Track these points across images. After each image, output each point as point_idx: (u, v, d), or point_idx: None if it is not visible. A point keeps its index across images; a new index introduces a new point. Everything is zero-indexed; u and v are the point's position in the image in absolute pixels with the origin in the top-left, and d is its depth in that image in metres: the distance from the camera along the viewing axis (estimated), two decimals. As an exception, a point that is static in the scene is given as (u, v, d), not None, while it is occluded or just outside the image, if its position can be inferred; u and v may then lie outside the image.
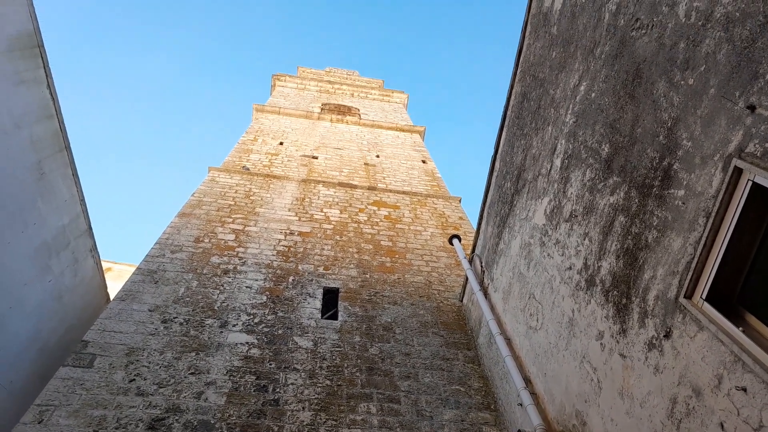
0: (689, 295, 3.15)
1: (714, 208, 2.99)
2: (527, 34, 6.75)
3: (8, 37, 6.74)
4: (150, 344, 6.27)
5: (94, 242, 9.23)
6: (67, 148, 8.23)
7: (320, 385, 6.11)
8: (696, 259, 3.10)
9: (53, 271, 7.88)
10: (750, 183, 2.81)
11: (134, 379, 5.72)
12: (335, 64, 42.74)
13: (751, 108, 2.77)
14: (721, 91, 3.03)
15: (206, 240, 8.95)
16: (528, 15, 6.73)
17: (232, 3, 77.28)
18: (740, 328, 2.77)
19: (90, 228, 9.06)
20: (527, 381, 5.37)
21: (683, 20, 3.48)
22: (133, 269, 14.45)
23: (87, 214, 8.92)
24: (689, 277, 3.14)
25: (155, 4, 70.65)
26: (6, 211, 6.77)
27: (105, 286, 9.89)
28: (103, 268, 9.98)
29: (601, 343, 4.04)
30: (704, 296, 3.05)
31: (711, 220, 3.01)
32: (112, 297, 9.88)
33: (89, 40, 64.57)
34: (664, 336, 3.29)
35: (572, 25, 5.38)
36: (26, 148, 7.22)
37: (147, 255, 8.15)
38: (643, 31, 3.99)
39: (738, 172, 2.87)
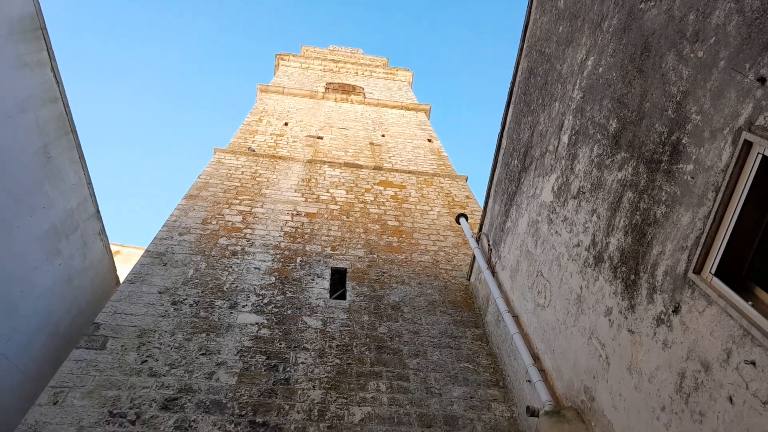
0: (698, 270, 3.14)
1: (723, 182, 2.97)
2: (533, 8, 6.65)
3: (9, 20, 6.71)
4: (161, 326, 6.34)
5: (103, 225, 9.29)
6: (73, 131, 8.23)
7: (330, 363, 6.17)
8: (705, 234, 3.08)
9: (63, 255, 7.94)
10: (760, 156, 2.78)
11: (146, 360, 5.79)
12: (339, 42, 42.37)
13: (761, 80, 2.73)
14: (731, 63, 2.98)
15: (213, 222, 8.98)
16: (534, -11, 6.62)
17: (234, -18, 76.49)
18: (749, 303, 2.76)
19: (98, 211, 9.11)
20: (535, 358, 5.40)
21: (693, -9, 3.41)
22: (141, 252, 14.54)
23: (94, 197, 8.97)
24: (698, 252, 3.12)
25: (156, -15, 70.04)
26: (14, 195, 6.81)
27: (114, 269, 9.98)
28: (112, 251, 10.05)
29: (610, 320, 4.05)
30: (713, 271, 3.04)
31: (720, 195, 2.98)
32: (121, 280, 9.96)
33: (92, 24, 64.23)
34: (672, 311, 3.29)
35: (579, -2, 5.29)
36: (32, 133, 7.23)
37: (155, 237, 8.19)
38: (652, 3, 3.92)
39: (748, 145, 2.84)
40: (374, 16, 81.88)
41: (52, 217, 7.69)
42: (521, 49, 6.95)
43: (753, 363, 2.61)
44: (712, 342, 2.91)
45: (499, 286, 6.76)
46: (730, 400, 2.73)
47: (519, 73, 7.01)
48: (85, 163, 8.61)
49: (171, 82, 69.39)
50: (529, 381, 5.25)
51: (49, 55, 7.54)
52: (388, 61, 26.58)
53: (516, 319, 6.03)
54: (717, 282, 3.00)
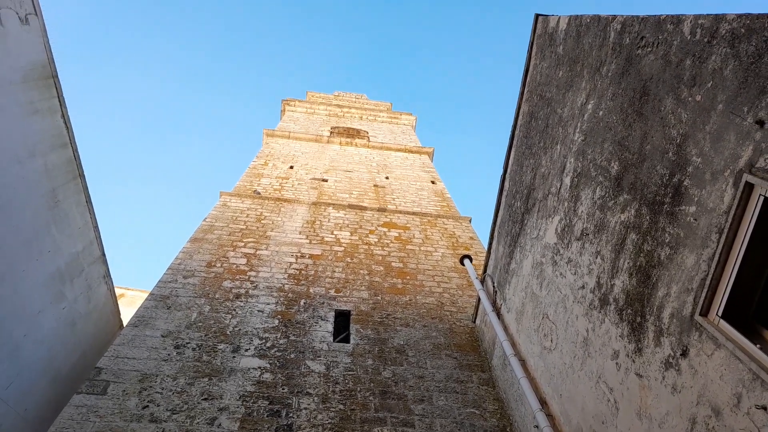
0: (705, 313, 3.11)
1: (726, 224, 2.97)
2: (533, 54, 6.80)
3: (22, 68, 6.90)
4: (163, 370, 6.27)
5: (107, 268, 9.30)
6: (81, 175, 8.35)
7: (333, 409, 6.06)
8: (710, 276, 3.06)
9: (67, 298, 7.94)
10: (762, 198, 2.79)
11: (147, 406, 5.71)
12: (344, 88, 43.21)
13: (760, 123, 2.76)
14: (729, 106, 3.03)
15: (218, 264, 8.98)
16: (533, 36, 6.79)
17: (243, 30, 78.62)
18: (757, 345, 2.73)
19: (103, 254, 9.14)
20: (543, 402, 5.29)
21: (688, 37, 3.50)
22: (145, 295, 14.51)
23: (100, 240, 9.02)
24: (704, 294, 3.10)
25: (166, 31, 72.03)
26: (21, 239, 6.86)
27: (118, 313, 9.94)
28: (116, 294, 10.03)
29: (617, 363, 3.99)
30: (720, 313, 3.01)
31: (724, 236, 2.98)
32: (125, 323, 9.91)
33: (102, 65, 65.81)
34: (680, 354, 3.25)
35: (578, 44, 5.42)
36: (41, 177, 7.34)
37: (159, 280, 8.19)
38: (649, 49, 4.01)
39: (749, 187, 2.85)
40: (379, 62, 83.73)
41: (58, 260, 7.72)
42: (522, 94, 7.08)
43: (764, 408, 2.56)
44: (722, 386, 2.86)
45: (505, 328, 6.69)
46: (743, 446, 2.66)
47: (520, 116, 7.12)
48: (92, 207, 8.69)
49: (179, 125, 70.55)
50: (537, 426, 5.13)
51: (59, 102, 7.73)
52: (392, 106, 27.01)
53: (522, 362, 5.94)
54: (724, 325, 2.97)
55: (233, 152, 71.07)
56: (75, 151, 8.16)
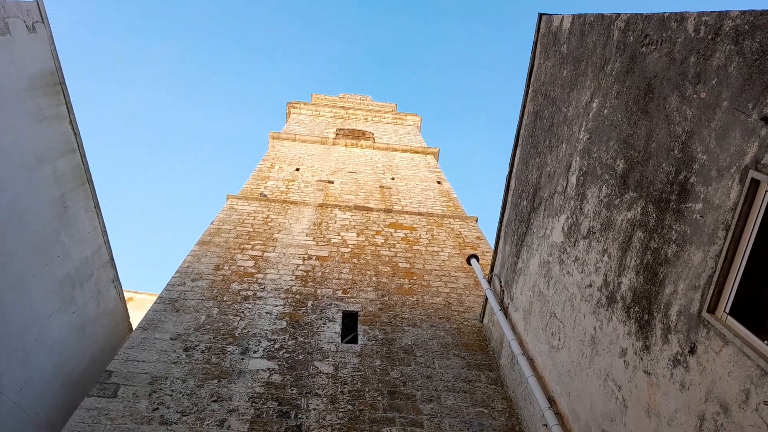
0: (712, 310, 3.11)
1: (733, 220, 2.97)
2: (537, 53, 6.81)
3: (31, 76, 6.96)
4: (173, 372, 6.31)
5: (116, 273, 9.37)
6: (89, 181, 8.42)
7: (342, 410, 6.08)
8: (717, 273, 3.07)
9: (77, 303, 8.00)
10: (768, 194, 2.79)
11: (158, 408, 5.75)
12: (349, 90, 43.25)
13: (765, 119, 2.77)
14: (734, 103, 3.03)
15: (226, 267, 9.03)
16: (537, 35, 6.79)
17: (248, 35, 78.89)
18: (765, 342, 2.73)
19: (112, 259, 9.21)
20: (551, 401, 5.30)
21: (692, 35, 3.50)
22: (154, 298, 14.60)
23: (109, 245, 9.08)
24: (711, 291, 3.11)
25: (171, 37, 72.37)
26: (31, 245, 6.92)
27: (127, 316, 10.01)
28: (125, 298, 10.10)
29: (625, 361, 3.99)
30: (727, 310, 3.02)
31: (731, 233, 2.99)
32: (134, 326, 9.97)
33: (109, 74, 66.16)
34: (688, 352, 3.25)
35: (582, 43, 5.43)
36: (50, 183, 7.40)
37: (168, 284, 8.24)
38: (653, 47, 4.01)
39: (755, 183, 2.86)
40: (383, 63, 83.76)
41: (67, 265, 7.79)
42: (527, 93, 7.08)
43: (773, 404, 2.56)
44: (730, 383, 2.86)
45: (513, 328, 6.69)
46: (752, 443, 2.66)
47: (525, 116, 7.12)
48: (101, 212, 8.76)
49: (186, 130, 70.84)
50: (546, 425, 5.14)
51: (67, 109, 7.80)
52: (397, 107, 27.04)
53: (531, 361, 5.95)
54: (732, 321, 2.97)
55: (240, 156, 71.34)
56: (83, 157, 8.23)
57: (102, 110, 62.45)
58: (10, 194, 6.53)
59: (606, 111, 4.73)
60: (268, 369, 6.60)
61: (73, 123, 7.96)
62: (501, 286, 7.46)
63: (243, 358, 6.73)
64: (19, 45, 6.75)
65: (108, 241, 9.04)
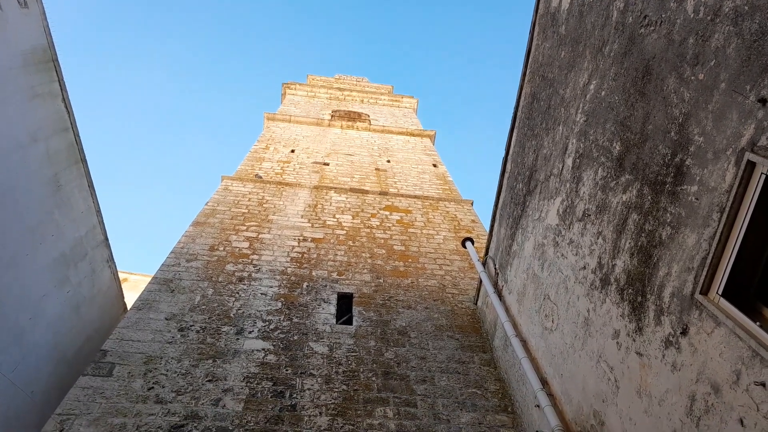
0: (705, 292, 3.13)
1: (728, 202, 2.98)
2: (535, 34, 6.76)
3: (23, 52, 6.87)
4: (167, 352, 6.33)
5: (111, 253, 9.35)
6: (83, 160, 8.35)
7: (336, 390, 6.12)
8: (711, 255, 3.08)
9: (71, 282, 7.99)
10: (763, 176, 2.79)
11: (153, 387, 5.77)
12: (345, 71, 42.93)
13: (763, 101, 2.75)
14: (732, 85, 3.02)
15: (221, 248, 9.02)
16: (536, 16, 6.73)
17: (243, 14, 77.99)
18: (757, 323, 2.75)
19: (106, 239, 9.18)
20: (544, 382, 5.34)
21: (692, 15, 3.47)
22: (148, 279, 14.57)
23: (103, 224, 9.05)
24: (704, 273, 3.12)
25: (166, 18, 71.48)
26: (24, 224, 6.89)
27: (122, 296, 10.01)
28: (120, 279, 10.09)
29: (618, 342, 4.02)
30: (720, 292, 3.03)
31: (725, 215, 2.99)
32: (128, 307, 9.97)
33: (101, 53, 65.44)
34: (680, 333, 3.27)
35: (580, 24, 5.38)
36: (43, 162, 7.34)
37: (162, 264, 8.22)
38: (652, 28, 3.98)
39: (751, 165, 2.85)
40: (380, 45, 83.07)
41: (62, 245, 7.76)
42: (524, 75, 7.04)
43: (763, 384, 2.58)
44: (722, 364, 2.89)
45: (507, 310, 6.73)
46: (741, 422, 2.70)
47: (522, 98, 7.09)
48: (94, 191, 8.71)
49: (181, 110, 70.31)
50: (538, 406, 5.19)
51: (60, 86, 7.70)
52: (393, 89, 26.87)
53: (524, 343, 5.99)
54: (724, 303, 2.99)
55: (235, 137, 70.95)
56: (76, 135, 8.15)
57: (96, 89, 61.87)
58: (2, 172, 6.48)
59: (603, 93, 4.71)
60: (263, 349, 6.62)
61: (66, 101, 7.87)
62: (495, 268, 7.49)
63: (238, 339, 6.75)
64: (11, 21, 6.64)
65: (102, 221, 9.00)
